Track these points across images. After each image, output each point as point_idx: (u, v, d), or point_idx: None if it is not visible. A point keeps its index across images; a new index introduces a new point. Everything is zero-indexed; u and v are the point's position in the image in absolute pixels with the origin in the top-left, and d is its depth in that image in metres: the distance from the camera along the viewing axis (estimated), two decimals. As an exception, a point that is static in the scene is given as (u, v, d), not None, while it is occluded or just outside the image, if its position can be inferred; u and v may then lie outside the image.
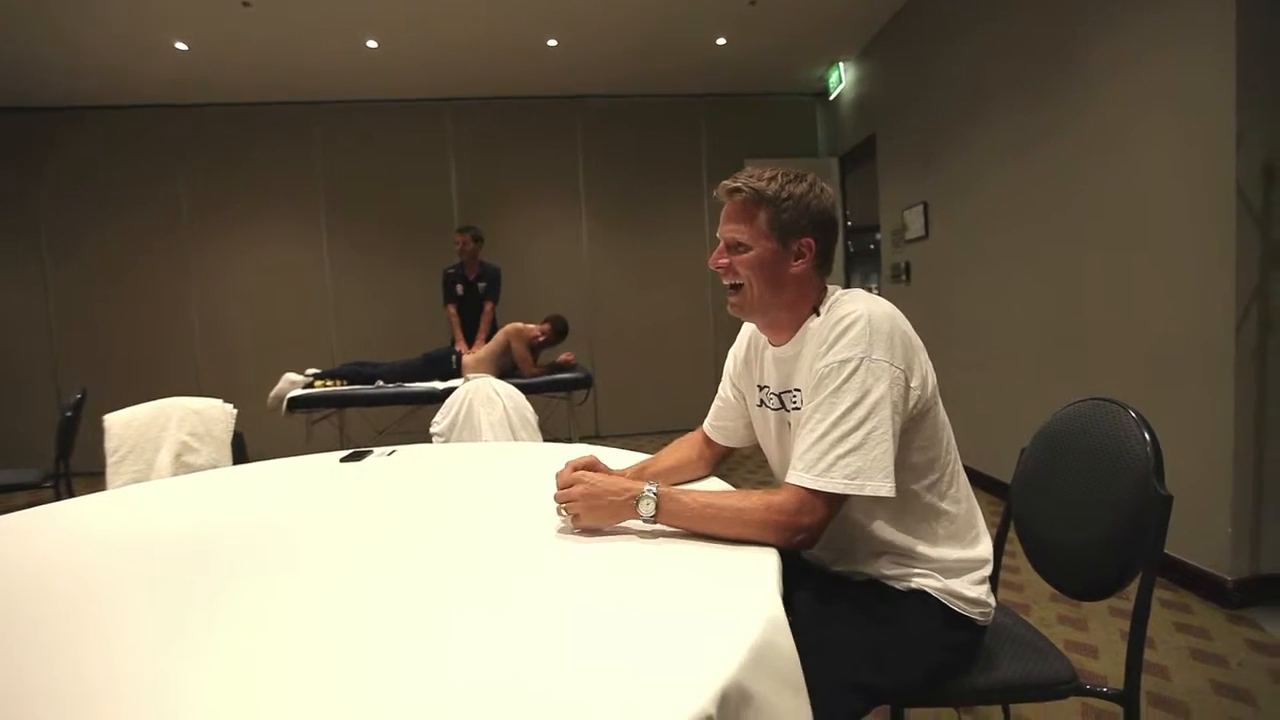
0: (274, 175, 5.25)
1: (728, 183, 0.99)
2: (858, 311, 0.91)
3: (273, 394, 3.41)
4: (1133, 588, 0.97)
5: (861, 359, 0.88)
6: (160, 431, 2.24)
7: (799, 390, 0.99)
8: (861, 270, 5.68)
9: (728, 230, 1.00)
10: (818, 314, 0.99)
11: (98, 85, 4.66)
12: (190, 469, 2.18)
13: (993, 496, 3.27)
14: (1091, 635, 1.97)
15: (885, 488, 0.86)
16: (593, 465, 1.12)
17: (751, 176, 0.98)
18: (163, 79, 4.60)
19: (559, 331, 3.82)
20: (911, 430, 0.94)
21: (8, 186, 4.98)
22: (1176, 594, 2.20)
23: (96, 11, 3.65)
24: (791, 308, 1.00)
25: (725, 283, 1.02)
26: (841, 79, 5.13)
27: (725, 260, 1.01)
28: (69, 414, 3.03)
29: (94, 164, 5.05)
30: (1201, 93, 2.10)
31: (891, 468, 0.87)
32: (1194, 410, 2.16)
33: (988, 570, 1.00)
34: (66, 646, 0.70)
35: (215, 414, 2.34)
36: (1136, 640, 0.96)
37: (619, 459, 1.31)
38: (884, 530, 0.97)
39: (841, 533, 0.99)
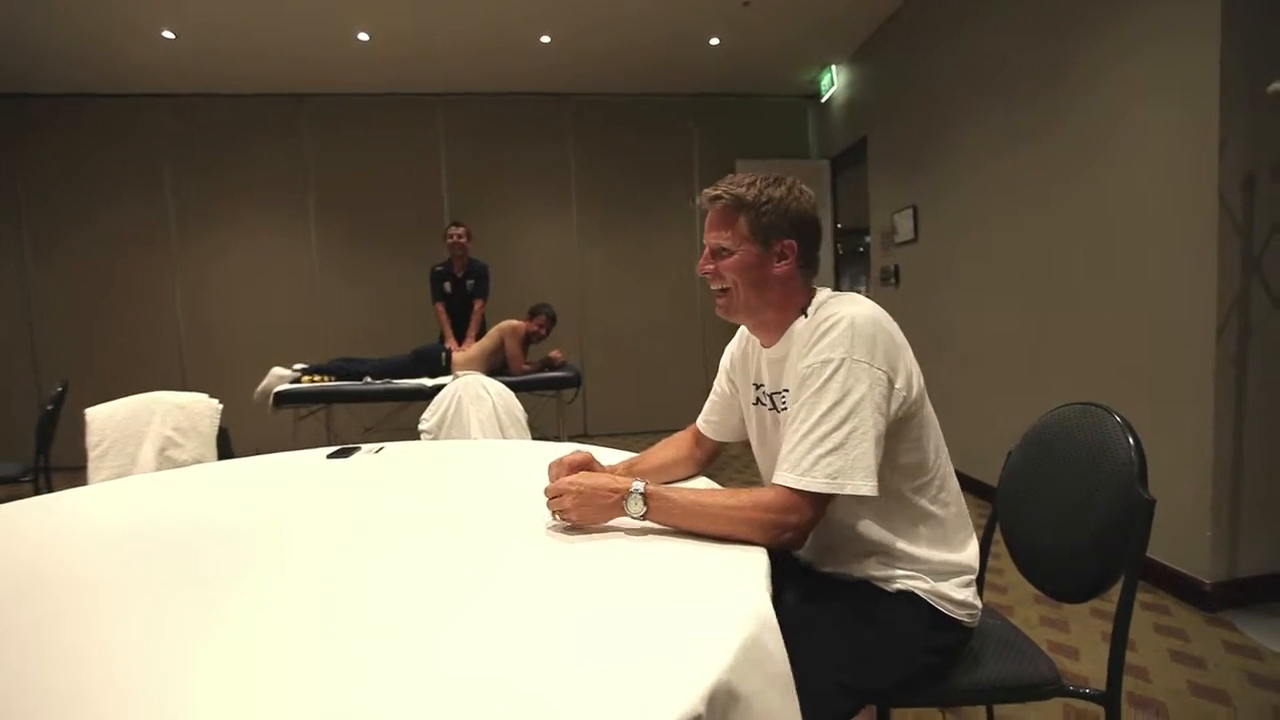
0: (262, 168, 5.19)
1: (709, 190, 1.02)
2: (840, 313, 0.92)
3: (259, 388, 3.37)
4: (1115, 590, 0.99)
5: (843, 360, 0.89)
6: (143, 426, 2.20)
7: (788, 390, 1.00)
8: (851, 273, 5.70)
9: (711, 237, 1.03)
10: (805, 315, 1.00)
11: (81, 73, 4.58)
12: (174, 464, 2.15)
13: (979, 499, 3.30)
14: (1073, 637, 1.99)
15: (866, 487, 0.87)
16: (587, 463, 1.12)
17: (731, 183, 1.01)
18: (149, 68, 4.53)
19: (552, 319, 3.84)
20: (899, 432, 0.94)
21: (-12, 175, 4.89)
22: (1156, 596, 2.24)
23: (82, -2, 3.59)
24: (779, 308, 1.02)
25: (713, 287, 1.05)
26: (833, 81, 5.15)
27: (711, 266, 1.03)
28: (49, 407, 2.98)
29: (76, 154, 4.97)
30: (1184, 102, 2.13)
31: (873, 467, 0.87)
32: (1176, 414, 2.19)
33: (973, 576, 1.01)
34: (47, 645, 0.69)
35: (200, 409, 2.31)
36: (1119, 642, 0.97)
37: (608, 457, 1.31)
38: (870, 530, 0.97)
39: (827, 532, 0.99)
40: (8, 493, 3.08)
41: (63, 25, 3.89)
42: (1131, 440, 0.99)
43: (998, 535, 1.25)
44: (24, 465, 3.00)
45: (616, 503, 0.94)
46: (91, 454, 2.13)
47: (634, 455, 1.28)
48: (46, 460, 2.98)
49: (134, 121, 5.01)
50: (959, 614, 0.97)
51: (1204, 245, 2.08)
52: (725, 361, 1.21)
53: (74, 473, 2.12)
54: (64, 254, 5.01)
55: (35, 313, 5.02)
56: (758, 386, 1.11)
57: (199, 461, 2.19)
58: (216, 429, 2.32)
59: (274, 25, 4.03)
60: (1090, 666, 1.82)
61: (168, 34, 4.06)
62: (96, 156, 4.99)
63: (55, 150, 4.94)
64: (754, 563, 0.83)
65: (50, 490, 1.43)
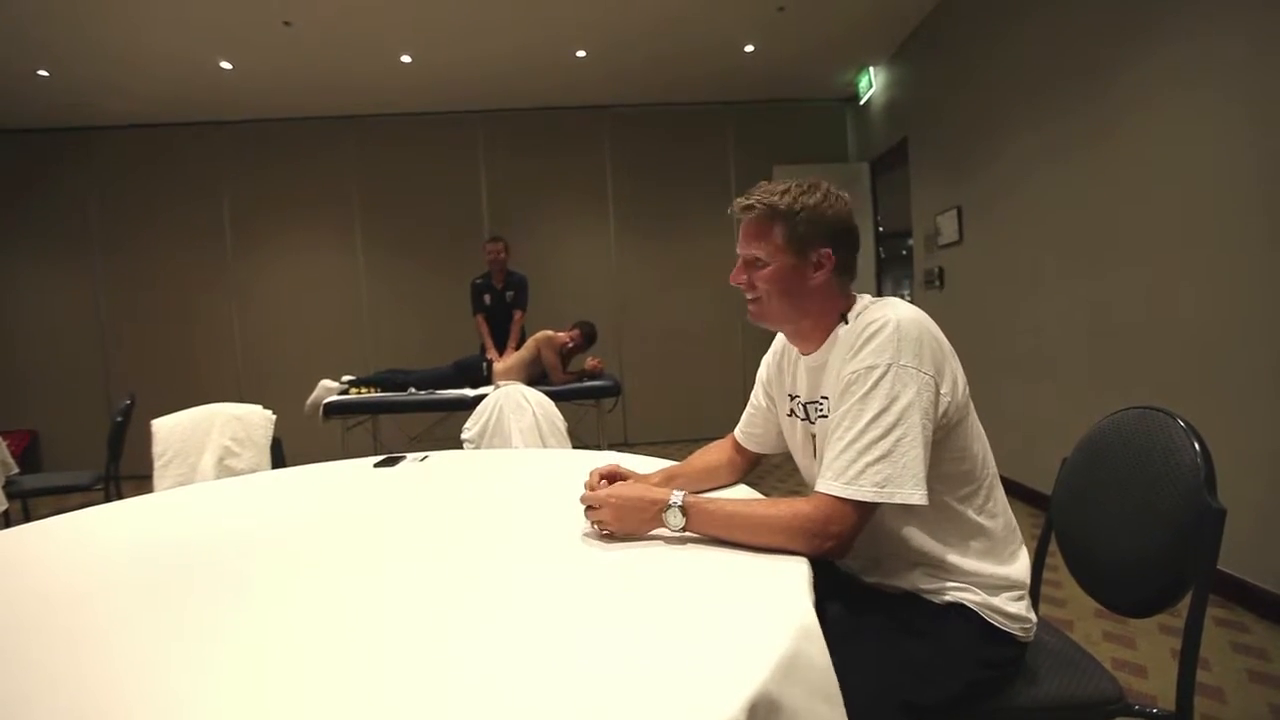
0: (311, 187, 5.41)
1: (741, 200, 1.00)
2: (885, 318, 0.90)
3: (310, 400, 3.49)
4: (1184, 605, 0.93)
5: (889, 365, 0.86)
6: (204, 436, 2.31)
7: (825, 399, 0.98)
8: (893, 276, 5.57)
9: (745, 248, 1.01)
10: (846, 322, 0.98)
11: (145, 105, 4.87)
12: (232, 472, 2.25)
13: (1032, 508, 3.17)
14: (1140, 654, 1.89)
15: (916, 495, 0.84)
16: (614, 473, 1.12)
17: (764, 191, 0.99)
18: (208, 98, 4.79)
19: (588, 336, 3.85)
20: (944, 440, 0.91)
21: (62, 201, 5.23)
22: (1233, 613, 2.10)
23: (147, 35, 3.82)
24: (816, 316, 1.00)
25: (747, 297, 1.03)
26: (872, 83, 5.08)
27: (744, 277, 1.01)
28: (119, 419, 3.15)
29: (143, 179, 5.28)
30: (1249, 107, 2.02)
31: (923, 475, 0.85)
32: (1251, 420, 2.07)
33: (1025, 590, 0.97)
34: (105, 642, 0.73)
35: (255, 419, 2.41)
36: (1189, 659, 0.91)
37: (647, 466, 1.31)
38: (917, 540, 0.94)
39: (872, 542, 0.96)
40: (82, 500, 3.26)
41: (128, 61, 4.14)
42: (1197, 445, 0.93)
43: (1053, 546, 1.19)
44: (96, 474, 3.18)
45: (655, 515, 0.93)
46: (157, 463, 2.24)
47: (673, 464, 1.27)
48: (117, 469, 3.15)
49: (194, 147, 5.29)
50: (1012, 628, 0.93)
51: (1268, 247, 1.97)
52: (761, 373, 1.19)
53: (141, 481, 2.23)
54: (131, 275, 5.32)
55: (105, 329, 5.33)
56: (793, 398, 1.09)
57: (255, 470, 2.28)
58: (271, 439, 2.41)
59: (322, 52, 4.21)
60: (1159, 685, 1.72)
61: (225, 64, 4.29)
62: (160, 181, 5.29)
63: (123, 176, 5.26)
64: (796, 572, 0.81)
65: (120, 497, 1.50)
